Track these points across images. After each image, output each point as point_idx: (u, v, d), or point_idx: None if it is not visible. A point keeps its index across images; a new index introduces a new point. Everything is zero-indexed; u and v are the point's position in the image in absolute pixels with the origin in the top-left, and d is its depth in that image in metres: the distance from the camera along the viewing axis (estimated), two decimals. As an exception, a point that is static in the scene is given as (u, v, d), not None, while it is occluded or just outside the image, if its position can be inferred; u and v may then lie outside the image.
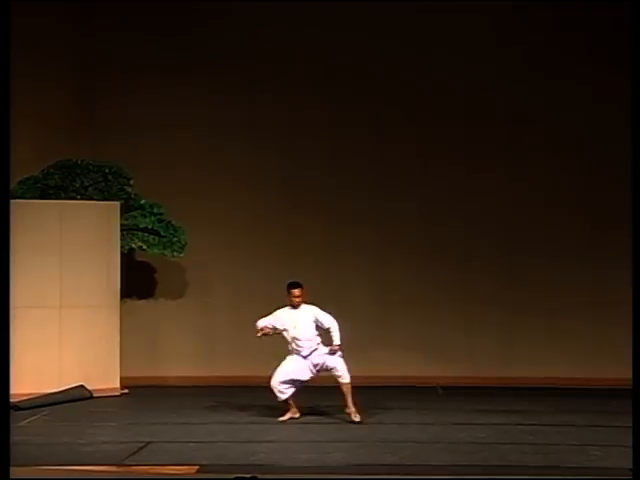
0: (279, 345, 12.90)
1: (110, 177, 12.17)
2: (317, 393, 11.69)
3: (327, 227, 13.09)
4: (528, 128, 13.10)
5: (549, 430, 9.40)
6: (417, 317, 12.88)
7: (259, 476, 6.88)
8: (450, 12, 12.91)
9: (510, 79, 13.06)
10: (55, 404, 10.86)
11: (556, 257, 12.98)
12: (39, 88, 12.34)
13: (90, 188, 12.12)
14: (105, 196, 12.08)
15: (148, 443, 8.61)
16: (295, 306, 9.75)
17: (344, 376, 9.65)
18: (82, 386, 11.41)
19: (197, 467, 7.67)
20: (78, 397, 11.26)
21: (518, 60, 13.05)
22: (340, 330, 9.72)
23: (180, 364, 12.91)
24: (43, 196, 11.90)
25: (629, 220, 12.50)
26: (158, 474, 7.58)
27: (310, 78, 13.17)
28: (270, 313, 9.56)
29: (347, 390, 9.65)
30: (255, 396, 11.61)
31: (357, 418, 9.54)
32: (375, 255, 12.92)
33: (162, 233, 12.24)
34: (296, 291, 9.71)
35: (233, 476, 6.81)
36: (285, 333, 9.81)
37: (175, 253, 12.29)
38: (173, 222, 12.28)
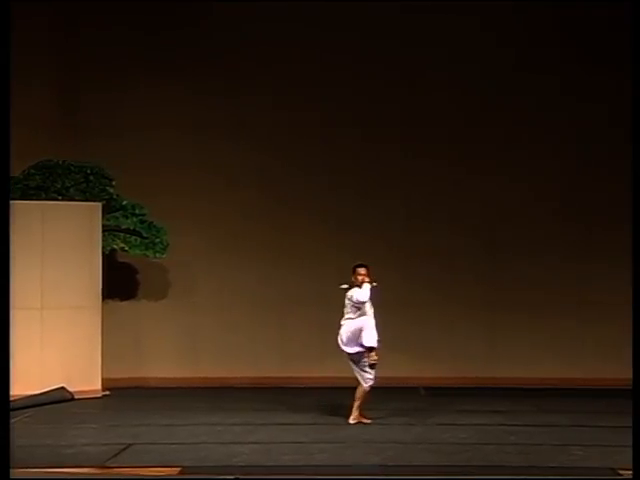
0: (264, 346, 12.96)
1: (92, 178, 12.12)
2: (300, 394, 11.71)
3: (314, 227, 13.05)
4: (516, 128, 13.10)
5: (532, 430, 9.43)
6: (402, 317, 12.82)
7: (241, 477, 6.88)
8: (443, 12, 12.88)
9: (499, 79, 13.06)
10: (36, 406, 10.80)
11: (543, 257, 12.97)
12: (20, 87, 12.23)
13: (71, 189, 12.06)
14: (87, 197, 12.03)
15: (130, 445, 8.58)
16: (359, 286, 9.61)
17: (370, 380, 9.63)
18: (63, 388, 11.36)
19: (179, 468, 7.65)
20: (59, 399, 11.21)
21: (509, 60, 13.05)
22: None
23: (163, 365, 12.85)
24: (24, 197, 11.83)
25: (615, 219, 12.72)
26: (140, 475, 7.56)
27: (298, 78, 13.12)
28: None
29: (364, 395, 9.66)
30: (238, 397, 11.63)
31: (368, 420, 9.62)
32: (362, 255, 12.81)
33: (144, 234, 12.20)
34: (362, 270, 9.63)
35: (216, 477, 6.80)
36: (359, 308, 9.58)
37: (157, 254, 12.26)
38: (155, 223, 12.24)
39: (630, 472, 7.35)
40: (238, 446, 8.52)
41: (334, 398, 10.58)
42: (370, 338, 9.49)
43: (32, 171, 12.01)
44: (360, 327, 9.52)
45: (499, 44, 13.05)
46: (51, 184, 12.02)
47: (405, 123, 13.15)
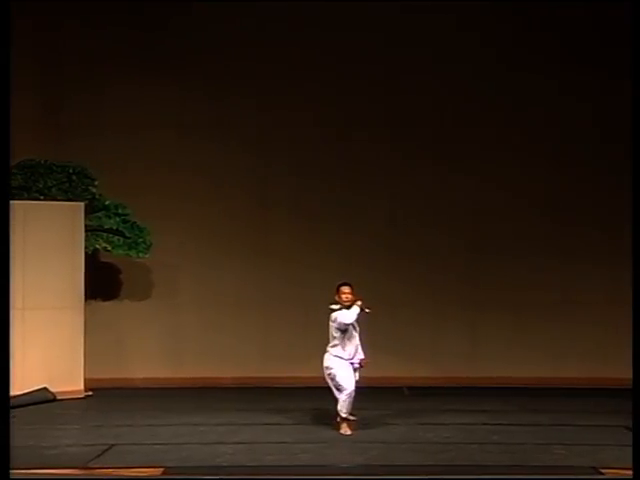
0: (247, 347, 12.95)
1: (74, 177, 12.07)
2: (284, 394, 11.71)
3: (297, 228, 13.06)
4: (499, 129, 13.14)
5: (515, 429, 9.45)
6: (387, 318, 12.79)
7: (225, 477, 6.86)
8: (430, 12, 12.91)
9: (482, 79, 13.09)
10: (18, 407, 10.74)
11: (529, 257, 12.98)
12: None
13: (54, 189, 12.01)
14: (69, 197, 11.98)
15: (113, 445, 8.56)
16: (348, 307, 9.14)
17: None
18: (45, 388, 11.31)
19: (162, 469, 7.64)
20: (41, 400, 11.16)
21: (492, 60, 13.08)
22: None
23: (146, 365, 12.82)
24: (6, 196, 11.78)
25: (600, 220, 12.80)
26: (123, 476, 7.54)
27: (281, 77, 13.12)
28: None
29: None
30: (222, 397, 11.61)
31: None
32: (348, 256, 12.85)
33: (127, 234, 12.17)
34: (346, 288, 9.17)
35: (199, 477, 6.78)
36: (345, 331, 9.14)
37: (140, 254, 12.22)
38: (138, 223, 12.21)
39: (612, 470, 7.43)
40: (222, 446, 8.51)
41: (318, 398, 10.55)
42: (343, 406, 9.10)
43: (14, 171, 11.93)
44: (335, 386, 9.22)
45: (483, 44, 13.08)
46: (33, 184, 11.97)
47: (393, 123, 13.14)
